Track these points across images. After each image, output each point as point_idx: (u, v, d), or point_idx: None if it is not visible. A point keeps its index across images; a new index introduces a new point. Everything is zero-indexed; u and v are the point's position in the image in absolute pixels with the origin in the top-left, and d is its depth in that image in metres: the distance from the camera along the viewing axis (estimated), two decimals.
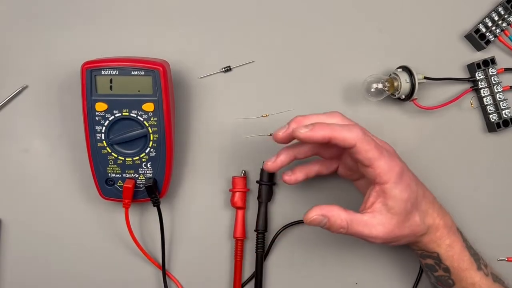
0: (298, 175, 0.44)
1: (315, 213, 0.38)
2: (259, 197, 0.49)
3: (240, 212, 0.49)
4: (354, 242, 0.51)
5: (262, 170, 0.49)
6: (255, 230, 0.49)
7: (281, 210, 0.50)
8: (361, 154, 0.38)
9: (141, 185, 0.46)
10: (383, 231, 0.39)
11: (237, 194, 0.48)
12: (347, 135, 0.37)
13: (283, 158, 0.42)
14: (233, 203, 0.48)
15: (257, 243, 0.49)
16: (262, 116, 0.48)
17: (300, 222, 0.50)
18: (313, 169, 0.45)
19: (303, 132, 0.38)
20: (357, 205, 0.42)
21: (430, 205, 0.43)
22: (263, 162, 0.44)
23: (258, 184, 0.49)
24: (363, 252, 0.51)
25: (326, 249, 0.51)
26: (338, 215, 0.38)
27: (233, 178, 0.49)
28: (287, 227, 0.49)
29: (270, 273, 0.50)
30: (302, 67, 0.51)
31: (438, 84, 0.51)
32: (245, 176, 0.49)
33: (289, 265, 0.50)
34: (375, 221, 0.39)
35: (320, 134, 0.37)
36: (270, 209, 0.50)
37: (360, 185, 0.47)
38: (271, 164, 0.42)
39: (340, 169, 0.46)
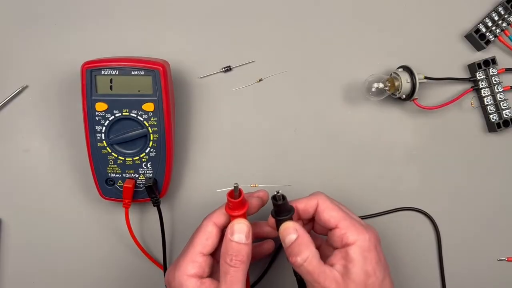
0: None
1: (293, 223, 0.37)
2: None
3: None
4: None
5: (275, 204, 0.38)
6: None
7: None
8: (324, 213, 0.38)
9: (141, 185, 0.46)
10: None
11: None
12: (309, 203, 0.38)
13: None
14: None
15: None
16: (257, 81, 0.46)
17: None
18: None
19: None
20: None
21: None
22: (276, 193, 0.38)
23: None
24: None
25: None
26: (308, 240, 0.36)
27: (228, 199, 0.38)
28: None
29: (272, 272, 0.50)
30: (303, 67, 0.51)
31: (438, 84, 0.51)
32: (241, 196, 0.37)
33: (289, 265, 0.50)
34: (332, 275, 0.35)
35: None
36: None
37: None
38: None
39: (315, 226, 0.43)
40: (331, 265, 0.36)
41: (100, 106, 0.43)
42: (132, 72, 0.43)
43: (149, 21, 0.50)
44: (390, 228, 0.50)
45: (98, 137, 0.44)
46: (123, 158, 0.45)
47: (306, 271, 0.35)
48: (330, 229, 0.38)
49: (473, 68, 0.51)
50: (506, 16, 0.51)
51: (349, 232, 0.36)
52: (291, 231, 0.37)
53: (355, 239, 0.36)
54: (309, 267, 0.35)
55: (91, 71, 0.42)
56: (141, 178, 0.45)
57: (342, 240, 0.36)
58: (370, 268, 0.35)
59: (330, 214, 0.37)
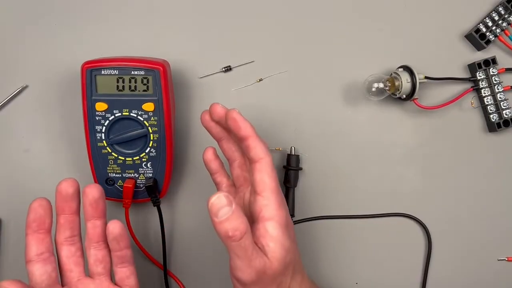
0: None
1: (226, 194, 0.32)
2: (287, 182, 0.49)
3: None
4: (353, 242, 0.51)
5: (289, 155, 0.49)
6: None
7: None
8: (258, 174, 0.35)
9: (141, 185, 0.46)
10: (261, 268, 0.33)
11: None
12: (259, 147, 0.36)
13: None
14: None
15: None
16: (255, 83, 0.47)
17: (307, 220, 0.50)
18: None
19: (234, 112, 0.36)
20: None
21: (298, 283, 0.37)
22: (291, 147, 0.49)
23: (284, 169, 0.49)
24: (363, 252, 0.51)
25: (326, 249, 0.51)
26: (243, 214, 0.32)
27: None
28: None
29: None
30: (303, 67, 0.51)
31: (438, 84, 0.51)
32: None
33: None
34: (260, 253, 0.34)
35: (244, 126, 0.36)
36: None
37: (225, 147, 0.42)
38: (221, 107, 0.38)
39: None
40: (257, 240, 0.35)
41: (100, 106, 0.43)
42: (132, 72, 0.43)
43: (149, 21, 0.50)
44: (382, 231, 0.51)
45: (98, 137, 0.44)
46: (123, 158, 0.45)
47: (242, 247, 0.32)
48: (254, 192, 0.36)
49: (473, 68, 0.51)
50: (506, 16, 0.51)
51: (270, 206, 0.35)
52: (226, 203, 0.32)
53: (274, 215, 0.34)
54: (246, 242, 0.32)
55: (91, 71, 0.43)
56: (141, 178, 0.45)
57: (260, 211, 0.35)
58: (288, 244, 0.34)
59: (262, 178, 0.35)
